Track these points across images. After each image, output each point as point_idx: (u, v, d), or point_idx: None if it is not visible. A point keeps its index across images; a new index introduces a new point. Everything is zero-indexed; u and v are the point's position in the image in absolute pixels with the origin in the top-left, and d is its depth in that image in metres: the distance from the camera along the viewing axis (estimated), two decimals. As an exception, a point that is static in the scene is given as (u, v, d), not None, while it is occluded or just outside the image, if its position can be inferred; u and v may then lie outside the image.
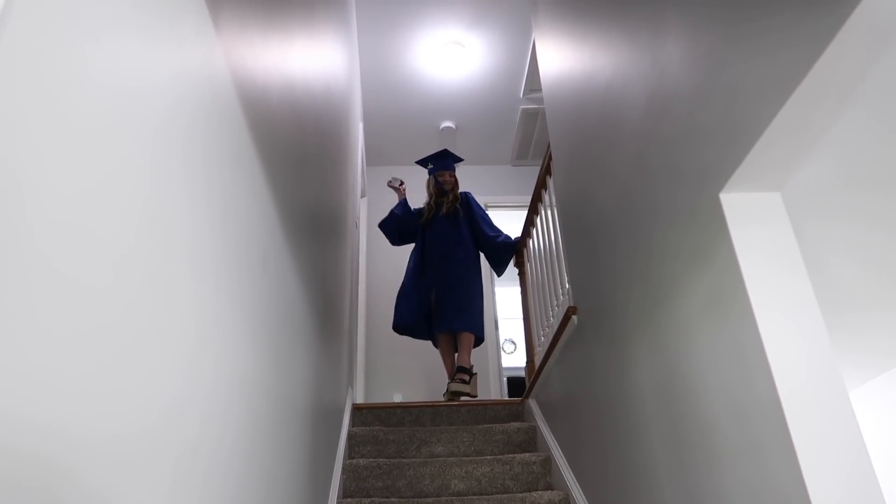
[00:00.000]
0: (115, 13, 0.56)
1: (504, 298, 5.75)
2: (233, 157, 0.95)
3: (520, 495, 2.44)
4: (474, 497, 2.44)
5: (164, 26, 0.68)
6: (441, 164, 4.15)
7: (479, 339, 3.79)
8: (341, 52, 3.08)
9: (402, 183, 4.17)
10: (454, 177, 4.17)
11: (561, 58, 2.78)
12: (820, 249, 1.54)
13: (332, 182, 2.47)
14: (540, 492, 2.50)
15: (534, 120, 5.14)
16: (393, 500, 2.40)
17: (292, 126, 1.52)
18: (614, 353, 1.96)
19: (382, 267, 5.18)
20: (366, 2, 4.16)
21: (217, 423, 0.83)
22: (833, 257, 1.59)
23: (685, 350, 1.44)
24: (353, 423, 3.21)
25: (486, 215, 4.19)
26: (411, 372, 4.80)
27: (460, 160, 4.23)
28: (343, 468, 2.63)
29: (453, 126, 5.30)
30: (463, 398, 3.61)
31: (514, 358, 7.34)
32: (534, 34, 3.61)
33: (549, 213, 3.07)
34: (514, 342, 7.61)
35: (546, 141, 3.79)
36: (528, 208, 3.58)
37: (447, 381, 3.84)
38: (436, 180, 4.15)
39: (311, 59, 1.94)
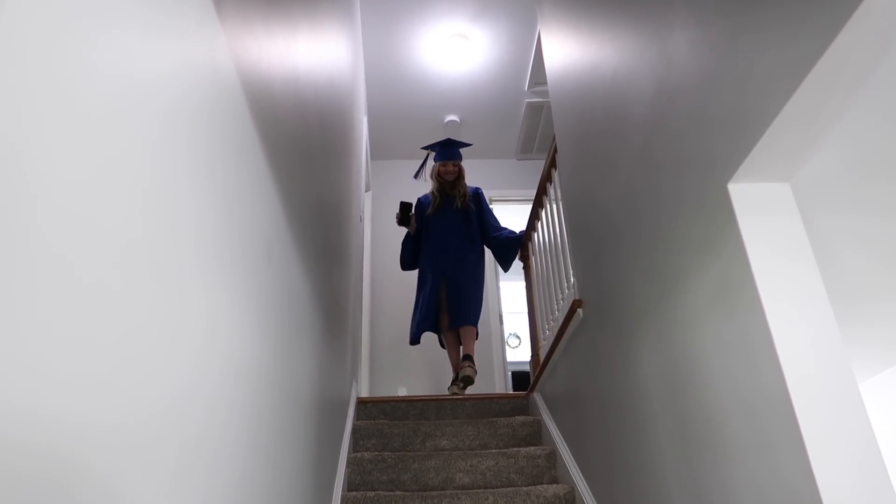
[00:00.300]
0: (117, 4, 0.55)
1: (509, 293, 5.75)
2: (237, 148, 0.94)
3: (525, 489, 2.43)
4: (479, 490, 2.44)
5: (167, 17, 0.67)
6: (445, 152, 4.08)
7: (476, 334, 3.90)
8: (345, 44, 3.06)
9: (411, 210, 4.10)
10: (458, 166, 4.09)
11: (566, 49, 2.76)
12: (830, 241, 1.53)
13: (336, 175, 2.46)
14: (545, 485, 2.50)
15: (538, 113, 5.12)
16: (398, 493, 2.40)
17: (296, 118, 1.51)
18: (620, 345, 1.95)
19: (387, 261, 5.17)
20: (370, -6, 4.14)
21: (222, 414, 0.83)
22: (843, 249, 1.58)
23: (692, 342, 1.43)
24: (357, 416, 3.21)
25: (492, 211, 4.18)
26: (415, 366, 4.80)
27: (466, 145, 4.16)
28: (348, 461, 2.63)
29: (457, 120, 5.28)
30: (467, 392, 3.63)
31: (519, 352, 7.33)
32: (539, 26, 3.59)
33: (554, 206, 3.06)
34: (518, 336, 7.61)
35: (551, 134, 3.77)
36: (532, 202, 3.57)
37: (452, 375, 3.85)
38: (438, 170, 4.10)
39: (315, 52, 1.93)
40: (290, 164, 1.40)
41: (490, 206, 4.24)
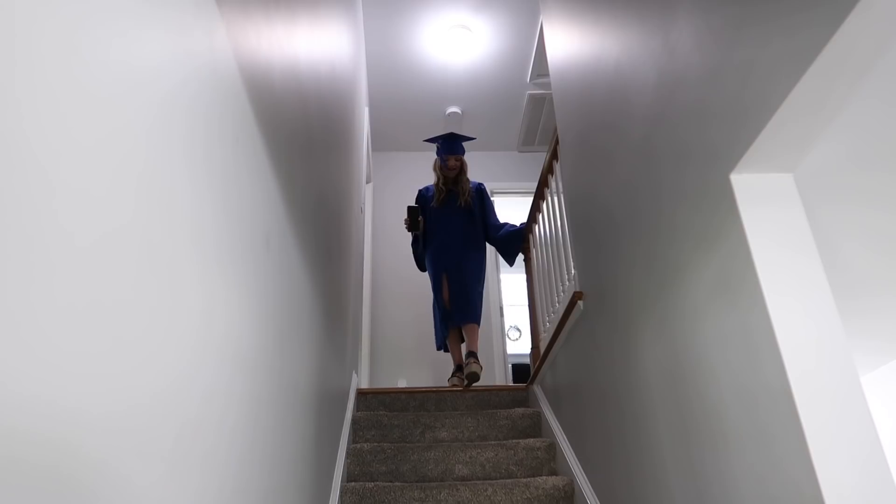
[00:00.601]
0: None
1: (509, 285, 5.74)
2: (235, 137, 0.93)
3: (524, 480, 2.44)
4: (478, 482, 2.44)
5: (164, 3, 0.67)
6: (447, 146, 4.01)
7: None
8: (347, 34, 3.05)
9: (419, 215, 3.99)
10: (460, 160, 4.02)
11: (569, 40, 2.74)
12: (833, 233, 1.52)
13: (337, 166, 2.45)
14: (544, 477, 2.50)
15: (541, 105, 5.10)
16: (397, 484, 2.41)
17: (297, 108, 1.50)
18: (620, 337, 1.95)
19: (388, 253, 5.17)
20: (371, -16, 4.12)
21: (219, 402, 0.82)
22: (847, 241, 1.57)
23: (692, 334, 1.42)
24: (357, 407, 3.22)
25: (494, 207, 4.16)
26: (416, 358, 4.81)
27: (470, 139, 4.09)
28: (347, 452, 2.64)
29: (459, 111, 5.26)
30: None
31: (519, 345, 7.34)
32: (541, 17, 3.57)
33: (555, 199, 3.05)
34: (518, 329, 7.62)
35: (553, 126, 3.75)
36: (534, 194, 3.56)
37: (453, 367, 3.84)
38: (440, 164, 4.04)
39: (315, 41, 1.92)
40: (290, 154, 1.40)
41: (492, 201, 4.20)
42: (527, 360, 4.87)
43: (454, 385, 3.66)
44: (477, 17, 4.36)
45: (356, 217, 3.70)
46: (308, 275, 1.63)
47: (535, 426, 3.05)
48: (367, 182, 5.23)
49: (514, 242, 3.92)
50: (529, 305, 3.72)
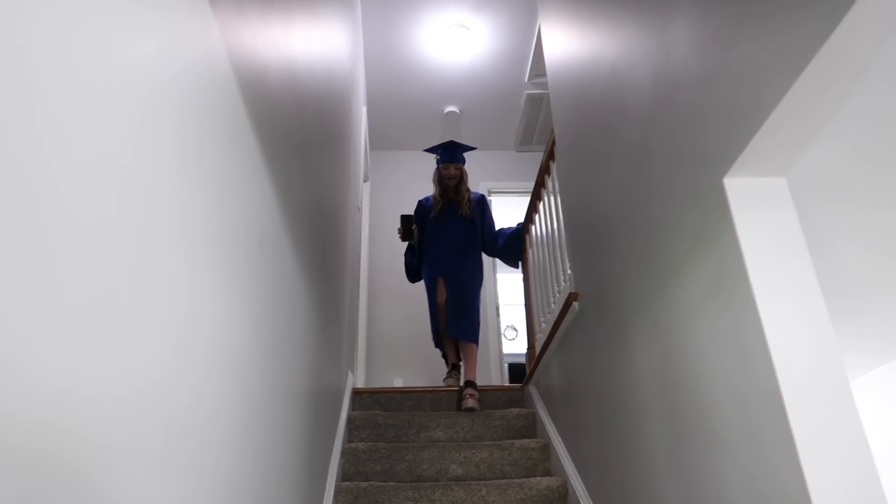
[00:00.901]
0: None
1: (505, 285, 5.75)
2: (229, 135, 0.93)
3: (518, 481, 2.44)
4: (472, 482, 2.44)
5: (159, 3, 0.67)
6: (447, 155, 3.88)
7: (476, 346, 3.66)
8: (345, 33, 3.05)
9: (413, 223, 3.88)
10: (460, 169, 3.89)
11: (566, 40, 2.74)
12: (827, 233, 1.52)
13: (333, 165, 2.45)
14: (538, 477, 2.50)
15: (539, 105, 5.11)
16: (391, 483, 2.41)
17: (293, 107, 1.50)
18: (615, 339, 1.95)
19: (385, 252, 5.17)
20: (370, -17, 4.12)
21: (209, 403, 0.82)
22: (841, 241, 1.57)
23: (686, 336, 1.43)
24: (352, 407, 3.22)
25: (493, 218, 4.02)
26: (412, 358, 4.81)
27: (470, 149, 3.95)
28: (342, 451, 2.64)
29: (457, 111, 5.26)
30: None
31: (516, 344, 7.35)
32: (539, 16, 3.57)
33: (552, 199, 3.05)
34: (515, 328, 7.63)
35: (551, 126, 3.75)
36: (531, 194, 3.56)
37: (448, 367, 3.81)
38: (440, 174, 3.91)
39: (313, 41, 1.92)
40: (286, 154, 1.40)
41: (491, 211, 4.04)
42: (523, 360, 4.88)
43: (449, 385, 3.65)
44: (475, 17, 4.37)
45: (353, 216, 3.69)
46: (303, 274, 1.63)
47: (530, 427, 3.05)
48: (365, 181, 5.23)
49: (516, 243, 3.87)
50: (526, 306, 3.72)
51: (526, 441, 2.78)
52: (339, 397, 2.76)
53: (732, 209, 1.18)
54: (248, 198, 1.04)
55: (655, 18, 1.60)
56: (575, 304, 2.40)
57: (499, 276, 5.35)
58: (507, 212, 4.28)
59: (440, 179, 3.92)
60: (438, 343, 3.84)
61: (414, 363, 4.80)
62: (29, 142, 0.44)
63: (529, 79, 4.87)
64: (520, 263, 3.94)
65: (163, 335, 0.67)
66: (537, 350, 3.27)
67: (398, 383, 4.71)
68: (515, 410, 3.11)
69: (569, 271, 2.62)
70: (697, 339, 1.36)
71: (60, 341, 0.47)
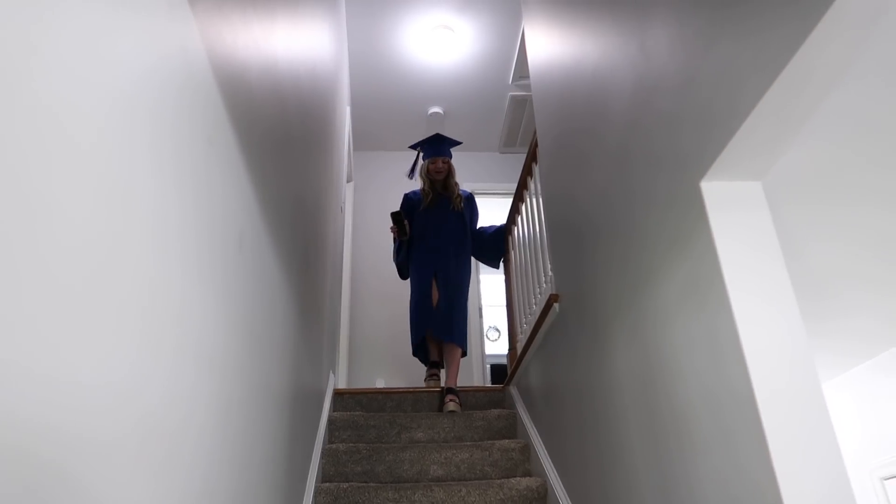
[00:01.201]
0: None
1: (488, 286, 5.76)
2: (207, 135, 0.93)
3: (498, 481, 2.45)
4: (453, 483, 2.45)
5: (135, 3, 0.66)
6: (433, 149, 3.86)
7: (464, 353, 3.61)
8: (328, 33, 3.04)
9: (403, 217, 3.78)
10: (447, 163, 3.87)
11: (549, 43, 2.76)
12: (801, 234, 1.54)
13: (316, 165, 2.44)
14: (518, 478, 2.51)
15: (522, 107, 5.13)
16: (371, 484, 2.41)
17: (274, 107, 1.50)
18: (595, 340, 1.97)
19: (368, 252, 5.16)
20: (354, -17, 4.11)
21: (182, 404, 0.82)
22: (815, 241, 1.59)
23: (662, 337, 1.44)
24: (333, 408, 3.21)
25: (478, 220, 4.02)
26: (394, 358, 4.80)
27: (456, 143, 3.94)
28: (322, 453, 2.63)
29: (441, 112, 5.27)
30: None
31: (499, 345, 7.36)
32: (523, 19, 3.59)
33: (534, 200, 3.07)
34: (498, 329, 7.64)
35: (534, 128, 3.77)
36: (513, 196, 3.57)
37: (427, 367, 3.77)
38: (427, 168, 3.88)
39: (295, 40, 1.91)
40: (266, 153, 1.39)
41: (478, 212, 4.04)
42: (505, 361, 4.89)
43: (431, 386, 3.64)
44: (460, 18, 4.37)
45: (335, 216, 3.68)
46: (283, 274, 1.63)
47: (511, 427, 3.06)
48: (349, 181, 5.21)
49: (498, 243, 3.88)
50: (507, 307, 3.74)
51: (506, 442, 2.79)
52: (320, 398, 2.75)
53: (709, 212, 1.19)
54: (226, 197, 1.04)
55: (635, 23, 1.62)
56: (556, 305, 2.42)
57: (482, 276, 5.36)
58: (490, 213, 4.28)
59: (427, 173, 3.88)
60: (419, 349, 3.72)
61: (396, 364, 4.79)
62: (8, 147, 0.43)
63: (513, 81, 4.89)
64: (500, 264, 3.95)
65: (132, 334, 0.66)
66: (519, 351, 3.28)
67: (380, 384, 4.70)
68: (496, 411, 3.12)
69: (550, 273, 2.63)
70: (673, 340, 1.38)
71: (33, 338, 0.47)
